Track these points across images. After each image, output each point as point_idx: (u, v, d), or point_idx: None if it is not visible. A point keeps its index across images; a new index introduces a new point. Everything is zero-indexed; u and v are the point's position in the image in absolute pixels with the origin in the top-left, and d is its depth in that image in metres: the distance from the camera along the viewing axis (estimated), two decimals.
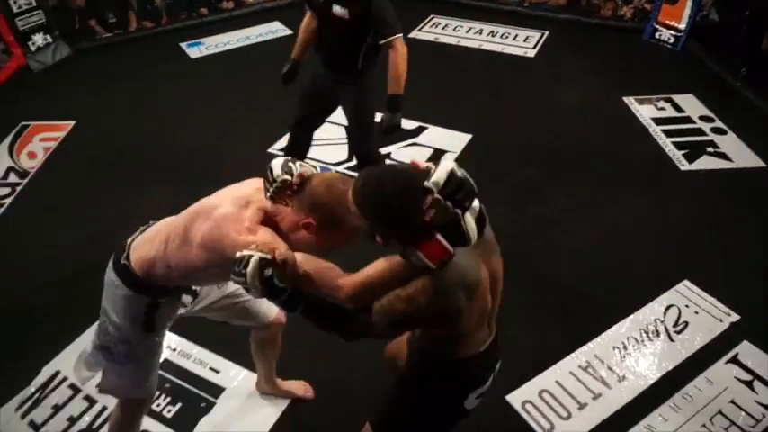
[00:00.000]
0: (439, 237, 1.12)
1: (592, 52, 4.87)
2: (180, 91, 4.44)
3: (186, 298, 1.68)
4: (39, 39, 4.87)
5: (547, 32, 5.14)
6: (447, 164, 1.12)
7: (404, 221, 1.13)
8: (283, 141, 3.70)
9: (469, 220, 1.15)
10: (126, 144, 3.82)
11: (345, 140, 3.73)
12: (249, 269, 1.17)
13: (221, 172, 3.49)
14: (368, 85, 2.70)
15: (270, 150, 3.68)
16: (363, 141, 2.87)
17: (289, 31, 5.33)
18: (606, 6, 5.44)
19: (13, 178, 3.54)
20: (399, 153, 3.63)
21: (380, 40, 2.50)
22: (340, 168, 3.53)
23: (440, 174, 1.10)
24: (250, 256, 1.18)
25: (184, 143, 3.81)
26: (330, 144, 3.72)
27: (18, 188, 3.46)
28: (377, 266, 1.25)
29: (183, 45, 5.13)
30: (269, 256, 1.19)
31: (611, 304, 2.63)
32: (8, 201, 3.35)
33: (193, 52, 5.03)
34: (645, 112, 4.02)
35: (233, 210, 1.35)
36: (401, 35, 2.54)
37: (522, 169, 3.48)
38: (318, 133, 3.75)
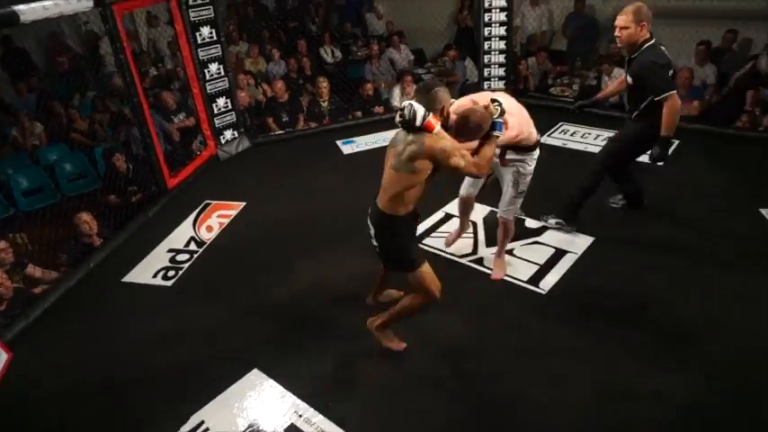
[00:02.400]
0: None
1: (724, 161, 4.52)
2: (333, 180, 4.82)
3: None
4: (228, 134, 5.60)
5: (677, 141, 4.87)
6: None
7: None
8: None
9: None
10: (284, 221, 4.18)
11: (471, 236, 3.78)
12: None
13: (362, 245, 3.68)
14: (636, 131, 3.38)
15: None
16: (597, 161, 3.60)
17: None
18: (742, 119, 5.07)
19: (192, 246, 4.02)
20: (521, 250, 3.57)
21: (655, 97, 3.11)
22: (464, 261, 3.53)
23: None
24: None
25: (333, 222, 4.08)
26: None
27: (195, 255, 3.90)
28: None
29: (339, 142, 5.59)
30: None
31: (740, 414, 2.29)
32: (186, 265, 3.79)
33: (346, 149, 5.46)
34: None
35: None
36: (671, 92, 3.06)
37: (645, 274, 3.24)
38: (446, 226, 3.87)
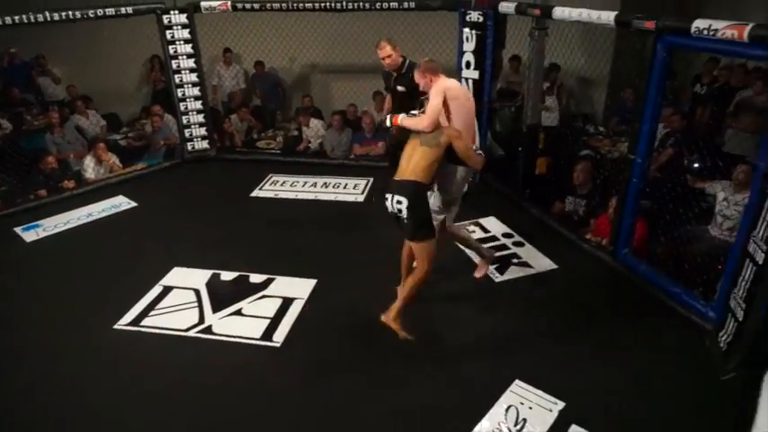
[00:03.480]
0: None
1: None
2: (14, 277, 4.00)
3: None
4: None
5: (372, 179, 5.55)
6: None
7: None
8: (130, 315, 3.46)
9: None
10: None
11: (195, 305, 3.59)
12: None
13: (65, 352, 3.13)
14: None
15: (116, 327, 3.37)
16: None
17: (133, 204, 5.17)
18: None
19: None
20: (249, 307, 3.53)
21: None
22: (192, 333, 3.32)
23: None
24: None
25: (22, 331, 3.37)
26: (178, 311, 3.54)
27: None
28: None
29: (18, 230, 4.67)
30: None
31: (459, 414, 2.67)
32: None
33: (30, 236, 4.60)
34: None
35: None
36: None
37: (365, 304, 3.55)
38: (166, 301, 3.60)
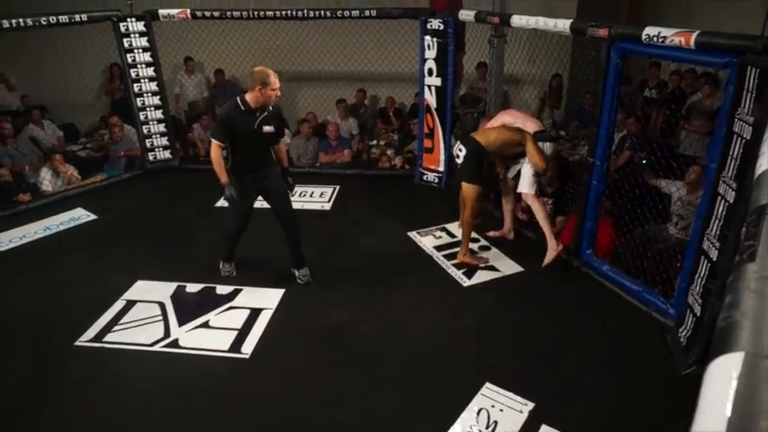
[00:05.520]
0: None
1: (376, 198, 5.33)
2: None
3: None
4: None
5: (338, 186, 5.54)
6: None
7: None
8: (92, 331, 3.35)
9: None
10: None
11: (160, 318, 3.50)
12: None
13: (25, 368, 3.00)
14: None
15: (77, 343, 3.26)
16: (293, 212, 4.01)
17: (93, 216, 5.02)
18: (382, 160, 6.12)
19: None
20: (217, 319, 3.47)
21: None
22: (157, 348, 3.23)
23: None
24: None
25: None
26: (142, 325, 3.44)
27: None
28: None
29: None
30: None
31: (431, 419, 2.68)
32: None
33: None
34: (427, 242, 4.44)
35: None
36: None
37: (335, 311, 3.55)
38: (130, 315, 3.49)
